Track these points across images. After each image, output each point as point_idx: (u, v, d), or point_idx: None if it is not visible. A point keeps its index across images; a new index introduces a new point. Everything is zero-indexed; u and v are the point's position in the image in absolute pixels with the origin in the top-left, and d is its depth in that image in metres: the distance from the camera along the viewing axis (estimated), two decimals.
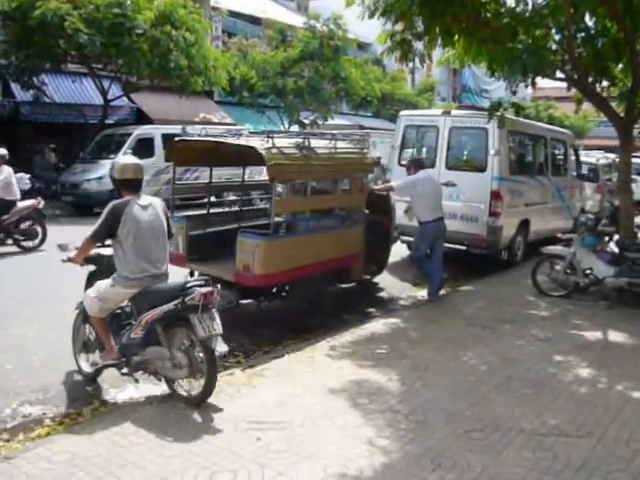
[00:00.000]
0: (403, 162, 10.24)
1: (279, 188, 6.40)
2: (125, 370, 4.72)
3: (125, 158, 4.99)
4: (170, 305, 4.36)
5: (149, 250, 4.54)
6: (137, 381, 4.72)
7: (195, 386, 4.47)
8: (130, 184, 4.60)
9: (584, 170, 13.96)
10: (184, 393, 4.51)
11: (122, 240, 4.46)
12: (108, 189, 15.25)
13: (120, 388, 4.99)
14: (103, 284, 4.60)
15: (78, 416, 4.49)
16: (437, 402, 4.62)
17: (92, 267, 4.96)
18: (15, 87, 18.05)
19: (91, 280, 4.88)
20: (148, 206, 4.62)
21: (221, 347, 4.36)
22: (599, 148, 27.68)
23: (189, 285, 4.41)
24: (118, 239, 4.48)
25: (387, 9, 7.87)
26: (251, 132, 7.11)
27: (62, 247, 4.83)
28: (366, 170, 7.36)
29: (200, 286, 4.40)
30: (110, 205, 4.52)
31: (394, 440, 4.00)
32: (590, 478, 3.62)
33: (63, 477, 3.47)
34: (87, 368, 4.99)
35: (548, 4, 8.64)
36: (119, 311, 4.81)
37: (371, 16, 8.00)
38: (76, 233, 13.96)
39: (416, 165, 7.86)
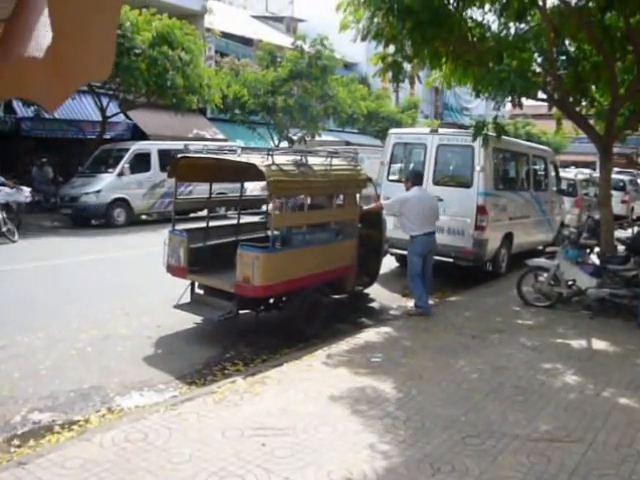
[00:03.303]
0: (392, 177, 10.50)
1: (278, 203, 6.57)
2: None
3: None
4: None
5: None
6: None
7: None
8: None
9: (563, 185, 14.33)
10: None
11: None
12: (106, 202, 15.73)
13: (126, 396, 5.11)
14: None
15: (86, 423, 4.60)
16: (433, 409, 4.75)
17: None
18: (16, 104, 18.41)
19: None
20: None
21: None
22: (574, 164, 28.43)
23: None
24: None
25: (379, 33, 8.17)
26: (244, 148, 7.28)
27: None
28: (359, 186, 7.54)
29: None
30: None
31: (394, 445, 4.11)
32: None
33: None
34: None
35: (531, 29, 9.01)
36: None
37: (363, 39, 8.30)
38: (74, 244, 14.19)
39: (412, 180, 7.91)
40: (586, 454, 4.10)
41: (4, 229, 12.60)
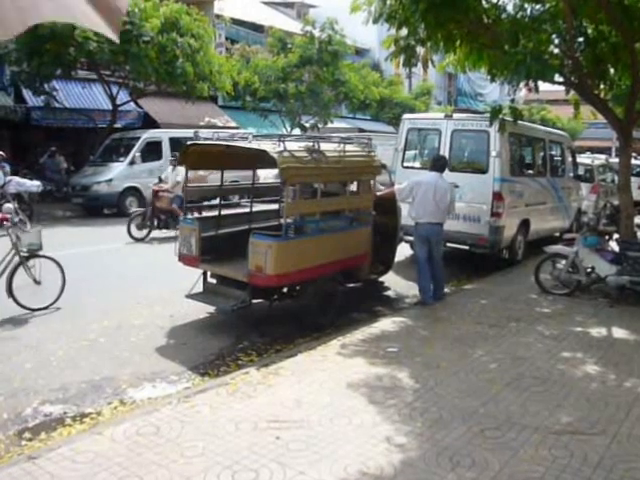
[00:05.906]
0: (406, 164, 10.35)
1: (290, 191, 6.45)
2: None
3: None
4: None
5: None
6: None
7: None
8: None
9: (580, 171, 14.09)
10: None
11: None
12: (117, 191, 15.71)
13: (138, 387, 5.05)
14: None
15: (98, 415, 4.54)
16: (451, 400, 4.65)
17: None
18: (27, 93, 18.41)
19: None
20: None
21: None
22: (589, 149, 28.06)
23: None
24: None
25: (391, 15, 8.00)
26: (255, 135, 7.16)
27: None
28: (373, 172, 7.39)
29: None
30: None
31: (412, 438, 4.01)
32: (608, 476, 3.62)
33: (87, 477, 3.47)
34: None
35: (548, 10, 8.76)
36: None
37: (375, 21, 8.14)
38: (86, 234, 14.11)
39: (431, 165, 7.81)
40: (610, 447, 3.98)
41: (16, 219, 12.57)
